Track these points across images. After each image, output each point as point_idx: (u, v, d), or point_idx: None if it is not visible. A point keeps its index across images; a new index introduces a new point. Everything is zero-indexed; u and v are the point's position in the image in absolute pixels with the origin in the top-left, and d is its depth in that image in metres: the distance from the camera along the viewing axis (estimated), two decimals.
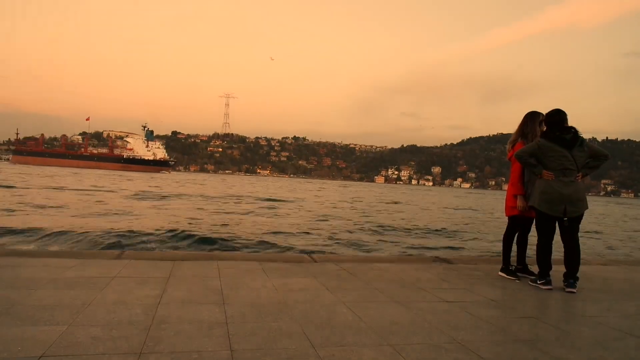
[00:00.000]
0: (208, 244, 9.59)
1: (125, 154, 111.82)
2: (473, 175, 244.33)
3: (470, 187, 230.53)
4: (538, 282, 4.03)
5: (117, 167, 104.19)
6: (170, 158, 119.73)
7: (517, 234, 4.46)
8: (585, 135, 4.10)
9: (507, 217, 4.45)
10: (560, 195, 3.90)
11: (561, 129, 3.99)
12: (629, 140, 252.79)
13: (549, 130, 4.03)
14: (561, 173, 3.93)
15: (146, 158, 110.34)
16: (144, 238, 9.87)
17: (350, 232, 13.39)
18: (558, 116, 4.02)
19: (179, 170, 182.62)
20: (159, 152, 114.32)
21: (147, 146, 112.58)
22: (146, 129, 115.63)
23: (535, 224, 4.18)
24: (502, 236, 4.54)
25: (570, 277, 3.91)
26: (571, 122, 4.04)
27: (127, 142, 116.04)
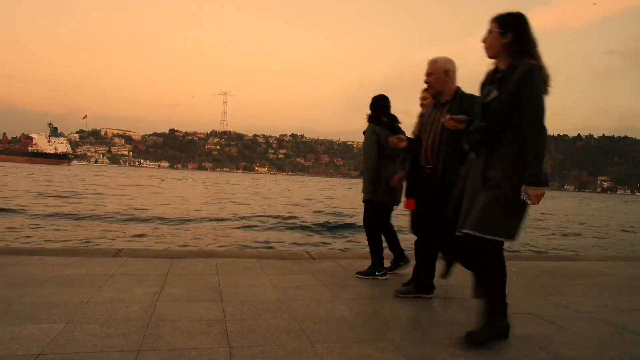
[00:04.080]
0: None
1: (30, 149, 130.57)
2: None
3: None
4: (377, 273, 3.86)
5: (23, 160, 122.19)
6: (70, 152, 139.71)
7: None
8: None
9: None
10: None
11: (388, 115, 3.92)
12: (625, 137, 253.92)
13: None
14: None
15: (47, 152, 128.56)
16: None
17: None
18: (386, 101, 3.94)
19: (83, 163, 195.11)
20: (61, 146, 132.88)
21: (50, 142, 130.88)
22: (51, 126, 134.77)
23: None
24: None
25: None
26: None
27: (32, 137, 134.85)
